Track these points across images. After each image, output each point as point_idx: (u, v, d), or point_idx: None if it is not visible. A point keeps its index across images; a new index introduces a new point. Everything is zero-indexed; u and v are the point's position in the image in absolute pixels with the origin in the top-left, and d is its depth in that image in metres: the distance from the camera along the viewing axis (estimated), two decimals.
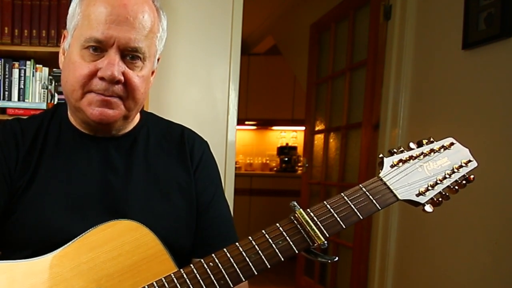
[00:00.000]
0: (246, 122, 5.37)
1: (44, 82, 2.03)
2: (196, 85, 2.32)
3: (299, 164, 5.18)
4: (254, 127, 5.71)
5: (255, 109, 5.04)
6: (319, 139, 3.24)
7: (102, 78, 0.77)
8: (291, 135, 5.74)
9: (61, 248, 0.74)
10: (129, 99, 0.81)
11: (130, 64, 0.79)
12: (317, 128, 3.27)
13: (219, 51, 2.31)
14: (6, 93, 2.00)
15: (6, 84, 2.00)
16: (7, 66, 2.00)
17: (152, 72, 0.88)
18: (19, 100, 2.00)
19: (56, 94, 2.05)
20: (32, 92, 2.02)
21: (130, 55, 0.79)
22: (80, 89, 0.79)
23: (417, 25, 2.21)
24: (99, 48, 0.78)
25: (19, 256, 0.76)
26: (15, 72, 2.01)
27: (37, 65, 2.03)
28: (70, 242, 0.74)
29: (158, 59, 0.89)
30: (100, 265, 0.73)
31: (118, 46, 0.77)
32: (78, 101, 0.80)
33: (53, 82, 2.04)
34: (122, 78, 0.78)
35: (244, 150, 5.66)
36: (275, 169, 5.53)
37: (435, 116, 2.06)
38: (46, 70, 2.04)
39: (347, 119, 2.82)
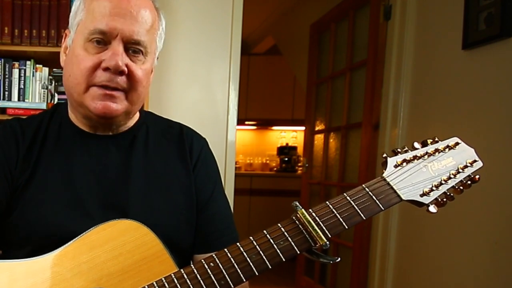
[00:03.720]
0: (246, 122, 5.37)
1: (44, 82, 2.03)
2: (196, 85, 2.31)
3: (299, 164, 5.18)
4: (254, 127, 5.71)
5: (255, 109, 5.04)
6: (319, 139, 3.24)
7: (106, 69, 0.78)
8: (291, 135, 5.74)
9: (61, 248, 0.74)
10: (132, 92, 0.81)
11: (132, 57, 0.80)
12: (317, 128, 3.27)
13: (219, 51, 2.30)
14: (6, 93, 2.00)
15: (6, 84, 2.00)
16: (7, 66, 2.00)
17: (151, 70, 0.88)
18: (19, 100, 2.00)
19: (56, 94, 2.05)
20: (32, 92, 2.02)
21: (132, 48, 0.80)
22: (84, 82, 0.79)
23: (417, 25, 2.21)
24: (102, 40, 0.79)
25: (19, 253, 0.76)
26: (15, 72, 2.00)
27: (37, 65, 2.03)
28: (70, 242, 0.74)
29: (157, 58, 0.90)
30: (101, 265, 0.72)
31: (122, 38, 0.78)
32: (81, 95, 0.80)
33: (53, 82, 2.04)
34: (125, 69, 0.79)
35: (244, 150, 5.66)
36: (275, 169, 5.53)
37: (435, 116, 2.05)
38: (46, 70, 2.03)
39: (347, 119, 2.82)
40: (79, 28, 0.81)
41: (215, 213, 0.90)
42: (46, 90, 2.03)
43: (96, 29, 0.78)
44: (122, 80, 0.79)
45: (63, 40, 0.88)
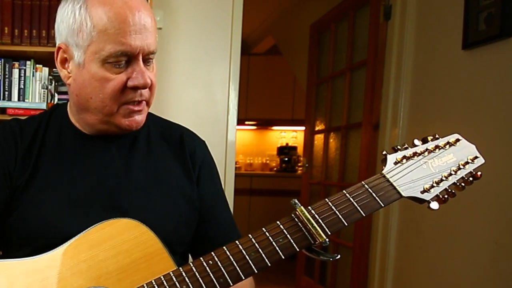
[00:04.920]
0: (246, 122, 5.37)
1: (44, 82, 2.03)
2: (196, 85, 2.31)
3: (299, 164, 5.18)
4: (254, 127, 5.71)
5: (255, 109, 5.04)
6: (319, 139, 3.24)
7: (135, 88, 0.79)
8: (291, 135, 5.74)
9: (60, 247, 0.74)
10: (151, 99, 0.84)
11: (147, 66, 0.81)
12: (317, 128, 3.27)
13: (219, 51, 2.30)
14: (6, 93, 2.00)
15: (6, 84, 2.00)
16: (7, 66, 2.00)
17: None
18: (19, 100, 2.00)
19: (56, 94, 2.05)
20: (32, 92, 2.02)
21: (148, 59, 0.81)
22: (114, 104, 0.79)
23: (417, 25, 2.21)
24: (124, 60, 0.78)
25: (19, 254, 0.76)
26: (15, 72, 2.00)
27: (37, 65, 2.03)
28: (69, 241, 0.74)
29: None
30: (99, 264, 0.72)
31: (142, 53, 0.78)
32: (109, 116, 0.81)
33: (53, 82, 2.04)
34: (150, 82, 0.81)
35: (244, 150, 5.66)
36: (275, 169, 5.52)
37: (435, 116, 2.05)
38: (46, 70, 2.03)
39: (347, 119, 2.82)
40: (91, 48, 0.77)
41: (219, 216, 0.92)
42: (46, 90, 2.03)
43: (117, 51, 0.76)
44: (146, 92, 0.81)
45: (56, 54, 0.84)
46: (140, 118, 0.83)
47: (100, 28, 0.76)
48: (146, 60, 0.80)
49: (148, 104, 0.84)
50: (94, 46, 0.77)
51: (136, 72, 0.78)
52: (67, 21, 0.79)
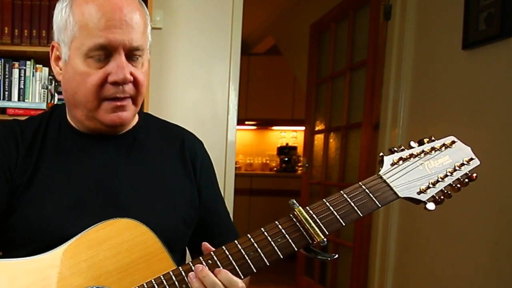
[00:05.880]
0: (246, 122, 5.37)
1: (44, 82, 2.03)
2: (196, 85, 2.32)
3: (299, 164, 5.18)
4: (254, 127, 5.71)
5: (255, 109, 5.04)
6: (319, 139, 3.24)
7: (114, 83, 0.78)
8: (291, 135, 5.74)
9: (60, 246, 0.74)
10: (138, 96, 0.83)
11: (133, 62, 0.81)
12: (317, 128, 3.27)
13: (219, 51, 2.30)
14: (6, 93, 2.00)
15: (6, 84, 2.00)
16: (7, 66, 2.00)
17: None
18: (19, 100, 2.00)
19: (56, 94, 2.05)
20: (32, 92, 2.02)
21: (133, 55, 0.80)
22: (95, 99, 0.80)
23: (417, 25, 2.21)
24: (104, 54, 0.78)
25: (20, 254, 0.76)
26: (15, 72, 2.00)
27: (37, 65, 2.03)
28: (70, 240, 0.74)
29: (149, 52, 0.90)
30: (99, 263, 0.73)
31: (123, 48, 0.78)
32: (93, 111, 0.81)
33: (53, 82, 2.04)
34: (132, 78, 0.80)
35: (244, 150, 5.66)
36: (275, 169, 5.53)
37: (435, 116, 2.06)
38: (46, 70, 2.03)
39: (347, 119, 2.82)
40: (74, 44, 0.80)
41: (217, 214, 0.93)
42: (46, 90, 2.03)
43: (96, 45, 0.77)
44: (129, 88, 0.80)
45: (50, 52, 0.87)
46: (125, 115, 0.82)
47: (81, 23, 0.78)
48: (132, 57, 0.80)
49: (134, 102, 0.83)
50: (76, 42, 0.79)
51: (116, 67, 0.78)
52: (56, 20, 0.83)
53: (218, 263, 0.69)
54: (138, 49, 0.80)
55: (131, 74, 0.79)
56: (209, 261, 0.69)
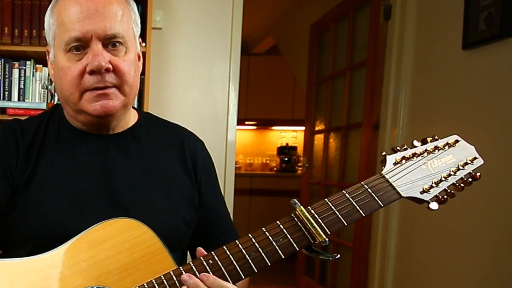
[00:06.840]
0: (246, 122, 5.37)
1: (44, 82, 2.03)
2: (196, 85, 2.31)
3: (299, 164, 5.18)
4: (254, 127, 5.71)
5: (255, 109, 5.04)
6: (319, 139, 3.24)
7: (91, 72, 0.79)
8: (291, 135, 5.73)
9: (61, 246, 0.74)
10: (124, 85, 0.82)
11: (113, 51, 0.81)
12: (317, 128, 3.27)
13: (219, 51, 2.30)
14: (6, 93, 2.00)
15: (6, 84, 2.00)
16: (7, 66, 2.00)
17: (138, 57, 0.88)
18: (19, 100, 2.00)
19: (56, 94, 2.05)
20: (32, 92, 2.02)
21: (111, 43, 0.80)
22: (76, 91, 0.81)
23: (417, 25, 2.21)
24: (81, 46, 0.80)
25: (20, 253, 0.76)
26: (15, 72, 2.00)
27: (37, 65, 2.03)
28: (70, 240, 0.74)
29: (140, 43, 0.90)
30: (100, 263, 0.73)
31: (97, 37, 0.79)
32: (77, 104, 0.82)
33: (53, 82, 2.04)
34: (110, 66, 0.79)
35: (244, 150, 5.66)
36: (275, 169, 5.52)
37: (435, 116, 2.05)
38: (46, 70, 2.03)
39: (347, 119, 2.82)
40: (56, 42, 0.83)
41: (218, 214, 0.93)
42: (46, 90, 2.03)
43: (70, 38, 0.79)
44: (110, 77, 0.80)
45: (47, 56, 0.90)
46: (111, 104, 0.81)
47: (59, 21, 0.81)
48: (110, 44, 0.80)
49: (121, 91, 0.82)
50: (57, 39, 0.82)
51: (92, 56, 0.79)
52: (45, 24, 0.87)
53: (219, 263, 0.69)
54: (115, 37, 0.80)
55: (111, 62, 0.79)
56: (210, 261, 0.69)
